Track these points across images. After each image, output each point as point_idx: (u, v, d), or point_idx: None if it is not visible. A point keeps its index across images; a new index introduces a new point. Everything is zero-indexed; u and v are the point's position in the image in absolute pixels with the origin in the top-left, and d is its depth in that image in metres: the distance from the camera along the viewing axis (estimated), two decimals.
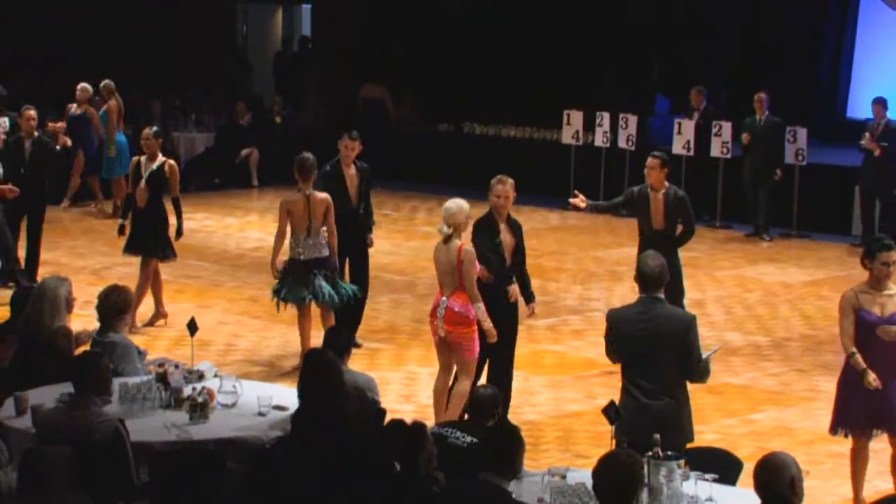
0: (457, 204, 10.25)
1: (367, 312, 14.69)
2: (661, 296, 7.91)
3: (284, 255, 12.45)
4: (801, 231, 19.38)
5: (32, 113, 15.56)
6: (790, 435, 10.86)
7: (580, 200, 12.31)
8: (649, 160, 12.58)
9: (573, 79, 22.68)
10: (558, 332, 13.89)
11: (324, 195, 12.31)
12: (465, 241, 10.25)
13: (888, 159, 18.03)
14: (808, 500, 8.69)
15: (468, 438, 7.55)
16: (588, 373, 12.24)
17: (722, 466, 7.19)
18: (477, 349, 10.15)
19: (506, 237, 10.67)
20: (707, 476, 6.92)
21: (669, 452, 6.90)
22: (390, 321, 14.37)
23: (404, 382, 12.13)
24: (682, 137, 20.18)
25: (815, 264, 17.45)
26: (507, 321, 10.50)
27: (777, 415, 11.40)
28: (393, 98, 25.33)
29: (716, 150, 19.94)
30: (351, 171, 13.13)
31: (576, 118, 21.55)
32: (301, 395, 7.50)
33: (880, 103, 18.41)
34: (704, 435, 10.38)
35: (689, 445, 7.75)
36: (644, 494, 6.61)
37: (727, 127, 19.86)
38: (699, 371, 7.88)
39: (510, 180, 10.71)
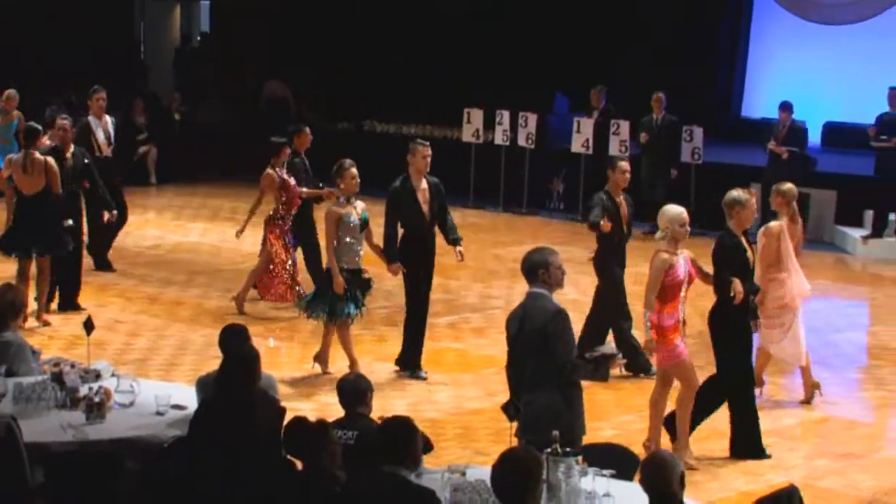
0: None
1: (267, 310, 14.65)
2: (540, 290, 7.91)
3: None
4: (697, 228, 19.55)
5: None
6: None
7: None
8: (625, 164, 12.61)
9: (473, 77, 22.75)
10: (459, 330, 13.93)
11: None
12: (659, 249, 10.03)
13: (792, 159, 18.32)
14: (702, 494, 8.84)
15: (350, 433, 7.54)
16: (488, 370, 12.27)
17: (620, 462, 7.25)
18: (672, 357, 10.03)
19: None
20: (605, 472, 6.98)
21: (568, 449, 6.94)
22: (291, 319, 14.31)
23: (306, 381, 12.09)
24: (581, 136, 20.33)
25: (710, 261, 17.58)
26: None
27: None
28: (295, 96, 25.23)
29: (614, 148, 20.10)
30: (423, 186, 12.19)
31: (476, 116, 21.61)
32: (219, 390, 7.45)
33: (786, 108, 18.69)
34: (603, 431, 10.48)
35: (587, 441, 7.80)
36: (543, 491, 6.64)
37: (625, 126, 20.04)
38: (570, 365, 7.81)
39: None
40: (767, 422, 11.27)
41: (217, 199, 22.10)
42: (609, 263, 12.61)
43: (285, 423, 7.34)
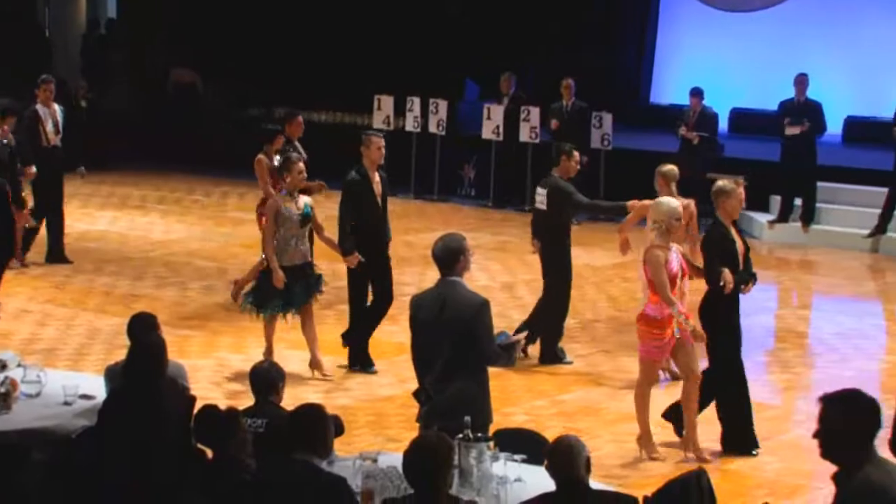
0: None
1: (177, 298, 14.56)
2: (456, 278, 7.90)
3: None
4: (609, 215, 19.70)
5: None
6: (597, 415, 11.06)
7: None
8: (577, 153, 12.71)
9: (384, 63, 22.71)
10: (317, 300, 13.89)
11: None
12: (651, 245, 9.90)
13: (702, 145, 18.50)
14: (613, 476, 8.89)
15: (259, 421, 7.50)
16: (400, 357, 12.26)
17: (530, 447, 7.28)
18: (653, 353, 9.98)
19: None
20: (516, 457, 7.01)
21: (479, 434, 6.96)
22: (201, 308, 14.22)
23: (215, 369, 12.02)
24: (492, 122, 20.38)
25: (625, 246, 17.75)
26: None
27: (585, 395, 11.61)
28: (203, 82, 25.04)
29: (525, 135, 20.18)
30: (376, 178, 12.04)
31: (386, 103, 21.59)
32: (126, 380, 7.38)
33: (696, 94, 18.86)
34: (514, 416, 10.53)
35: (498, 427, 7.82)
36: (455, 476, 6.66)
37: (535, 112, 20.12)
38: (494, 355, 7.85)
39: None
40: None
41: (125, 188, 21.90)
42: (567, 253, 12.59)
43: (195, 411, 7.29)
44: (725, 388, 10.14)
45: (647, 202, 11.13)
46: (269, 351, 11.87)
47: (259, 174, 13.77)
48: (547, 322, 12.48)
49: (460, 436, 6.87)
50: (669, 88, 23.09)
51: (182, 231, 18.58)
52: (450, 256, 7.91)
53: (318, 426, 6.42)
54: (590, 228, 18.95)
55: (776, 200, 18.97)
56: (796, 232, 18.47)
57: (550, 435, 8.22)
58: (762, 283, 15.97)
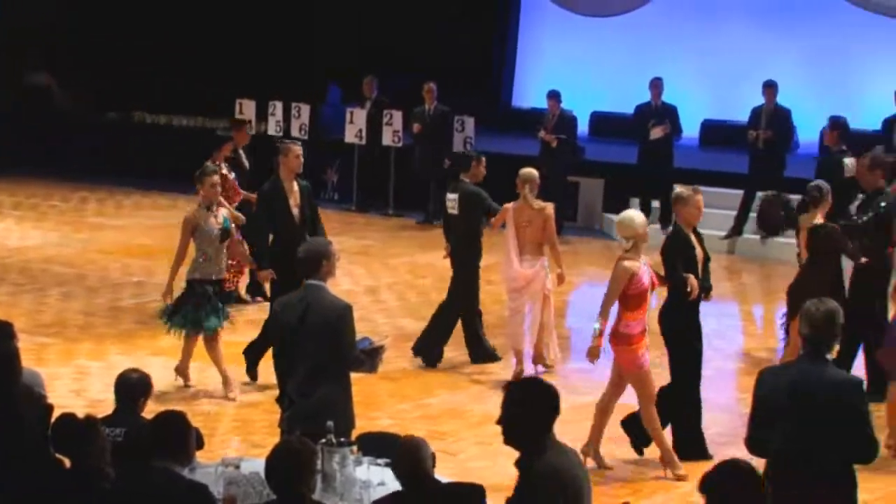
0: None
1: (34, 305, 14.31)
2: (320, 282, 7.89)
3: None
4: None
5: None
6: (462, 417, 11.11)
7: None
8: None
9: (245, 67, 22.56)
10: (233, 322, 13.77)
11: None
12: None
13: (562, 148, 18.67)
14: (477, 478, 8.92)
15: (118, 430, 7.40)
16: (265, 362, 12.19)
17: (394, 451, 7.28)
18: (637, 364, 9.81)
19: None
20: (379, 461, 7.02)
21: (342, 439, 6.96)
22: (59, 315, 13.99)
23: (74, 377, 11.83)
24: (354, 126, 20.35)
25: (485, 250, 17.82)
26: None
27: (449, 398, 11.64)
28: (59, 86, 24.63)
29: (387, 138, 20.19)
30: (294, 189, 11.65)
31: (248, 107, 21.41)
32: None
33: (554, 97, 19.05)
34: (379, 420, 10.52)
35: (361, 431, 7.82)
36: (318, 481, 6.64)
37: (398, 116, 20.14)
38: (357, 360, 7.85)
39: None
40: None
41: None
42: (478, 257, 12.59)
43: (52, 420, 7.17)
44: (683, 394, 10.08)
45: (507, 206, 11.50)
46: (225, 379, 11.49)
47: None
48: (446, 321, 12.52)
49: (323, 440, 6.87)
50: (530, 92, 23.27)
51: (39, 237, 18.26)
52: (314, 261, 7.90)
53: (180, 433, 6.36)
54: None
55: (635, 203, 19.21)
56: (655, 234, 18.61)
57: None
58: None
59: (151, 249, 17.29)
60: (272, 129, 21.25)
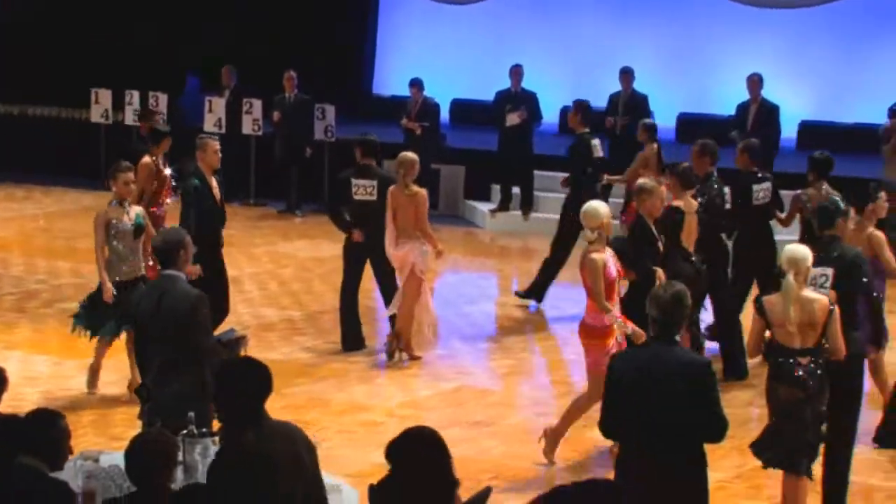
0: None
1: None
2: (176, 272, 7.84)
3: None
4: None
5: None
6: (325, 406, 11.09)
7: None
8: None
9: (100, 56, 22.20)
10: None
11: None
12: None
13: (426, 136, 18.70)
14: (341, 467, 8.93)
15: None
16: (123, 354, 12.05)
17: None
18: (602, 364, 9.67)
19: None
20: None
21: (204, 430, 6.91)
22: None
23: None
24: (214, 115, 20.16)
25: None
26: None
27: (312, 387, 11.62)
28: None
29: (247, 127, 20.05)
30: (214, 183, 11.58)
31: (104, 96, 21.14)
32: None
33: (416, 85, 19.07)
34: None
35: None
36: (179, 472, 6.59)
37: (258, 104, 20.01)
38: (212, 350, 7.80)
39: None
40: (404, 393, 11.54)
41: None
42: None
43: None
44: None
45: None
46: (95, 368, 11.29)
47: (141, 178, 13.17)
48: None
49: (184, 431, 6.81)
50: (392, 80, 23.24)
51: None
52: (169, 250, 7.85)
53: (48, 431, 6.26)
54: (316, 221, 18.96)
55: (496, 189, 19.35)
56: (517, 220, 18.86)
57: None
58: (485, 270, 16.40)
59: (6, 242, 16.98)
60: (129, 118, 20.95)
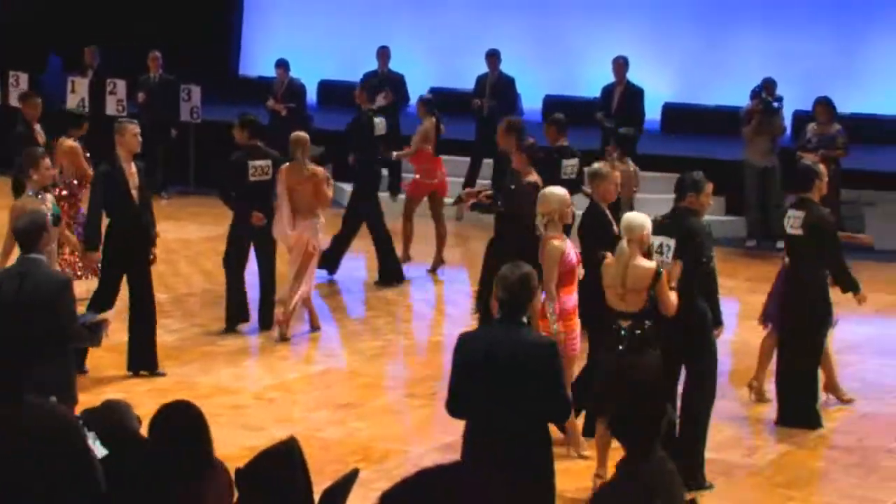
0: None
1: None
2: (38, 255, 7.73)
3: None
4: (199, 188, 19.60)
5: None
6: (192, 389, 10.98)
7: None
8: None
9: None
10: None
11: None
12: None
13: (291, 117, 18.59)
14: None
15: None
16: None
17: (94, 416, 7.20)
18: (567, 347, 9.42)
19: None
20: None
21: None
22: None
23: None
24: (77, 95, 19.82)
25: (213, 220, 17.62)
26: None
27: (178, 370, 11.50)
28: None
29: (111, 108, 19.75)
30: (133, 170, 11.19)
31: None
32: None
33: (282, 66, 19.00)
34: (107, 395, 10.31)
35: (84, 406, 7.69)
36: None
37: (122, 85, 19.72)
38: (77, 334, 7.75)
39: None
40: (272, 376, 11.49)
41: None
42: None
43: None
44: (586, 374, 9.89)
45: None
46: None
47: (73, 161, 12.78)
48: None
49: None
50: (258, 61, 23.09)
51: None
52: (31, 233, 7.73)
53: None
54: (182, 202, 18.78)
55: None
56: (385, 201, 18.80)
57: (143, 412, 8.14)
58: (351, 252, 16.32)
59: None
60: (13, 100, 20.50)
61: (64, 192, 12.80)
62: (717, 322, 9.25)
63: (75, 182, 13.01)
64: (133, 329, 11.31)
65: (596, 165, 10.43)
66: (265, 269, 12.64)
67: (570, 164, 12.59)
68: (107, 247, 11.15)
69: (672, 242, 9.01)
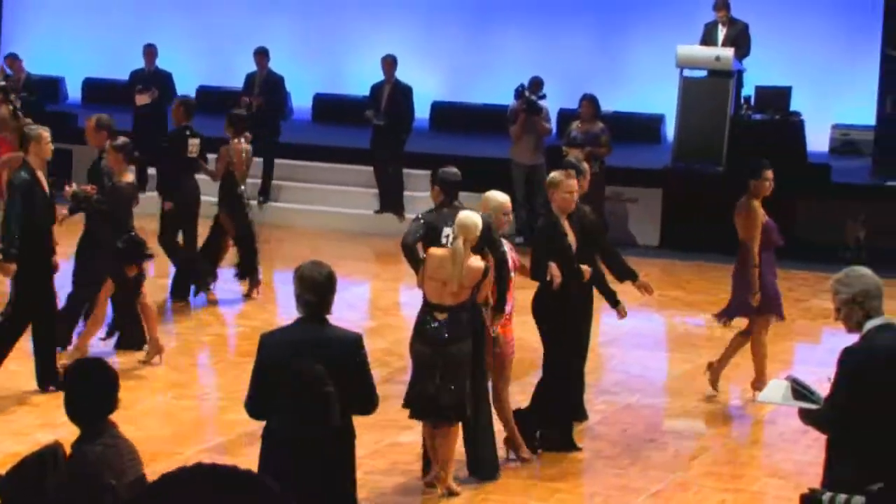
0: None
1: None
2: None
3: None
4: None
5: None
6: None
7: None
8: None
9: None
10: None
11: None
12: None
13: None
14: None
15: None
16: None
17: None
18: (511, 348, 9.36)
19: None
20: None
21: None
22: None
23: None
24: None
25: None
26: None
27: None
28: None
29: None
30: (42, 176, 10.80)
31: None
32: None
33: (12, 58, 18.87)
34: None
35: None
36: None
37: None
38: None
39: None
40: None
41: None
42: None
43: None
44: (551, 383, 9.81)
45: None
46: None
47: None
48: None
49: None
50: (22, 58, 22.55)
51: None
52: None
53: None
54: None
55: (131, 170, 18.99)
56: (151, 202, 18.56)
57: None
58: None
59: None
60: None
61: None
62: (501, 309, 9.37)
63: None
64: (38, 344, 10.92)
65: (553, 174, 9.97)
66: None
67: (193, 144, 13.86)
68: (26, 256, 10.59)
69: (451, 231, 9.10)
